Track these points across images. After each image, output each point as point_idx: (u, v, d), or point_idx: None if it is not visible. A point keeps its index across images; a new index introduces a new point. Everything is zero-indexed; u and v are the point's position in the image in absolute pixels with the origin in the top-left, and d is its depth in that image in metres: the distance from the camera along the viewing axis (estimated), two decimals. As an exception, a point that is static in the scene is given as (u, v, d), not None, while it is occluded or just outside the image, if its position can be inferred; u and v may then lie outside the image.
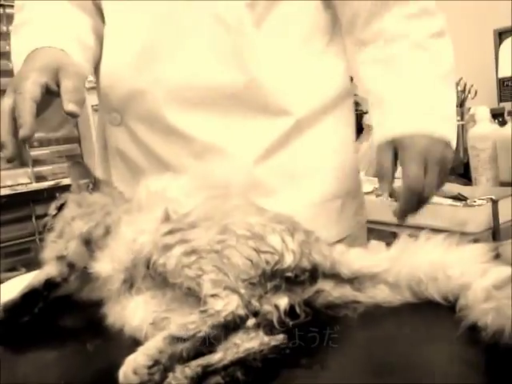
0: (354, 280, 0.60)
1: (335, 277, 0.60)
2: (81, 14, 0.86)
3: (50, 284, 0.69)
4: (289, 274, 0.57)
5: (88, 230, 0.70)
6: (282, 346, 0.49)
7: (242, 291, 0.53)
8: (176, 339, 0.46)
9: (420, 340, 0.50)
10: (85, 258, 0.68)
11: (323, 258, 0.59)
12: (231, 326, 0.49)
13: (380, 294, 0.59)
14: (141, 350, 0.44)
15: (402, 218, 0.75)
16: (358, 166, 1.00)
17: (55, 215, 0.76)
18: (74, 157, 2.44)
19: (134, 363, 0.43)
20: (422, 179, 0.72)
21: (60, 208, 0.76)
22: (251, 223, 0.59)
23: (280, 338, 0.50)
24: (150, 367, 0.43)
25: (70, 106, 0.63)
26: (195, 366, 0.43)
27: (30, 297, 0.67)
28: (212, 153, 0.83)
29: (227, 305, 0.50)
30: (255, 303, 0.52)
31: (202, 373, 0.42)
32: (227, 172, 0.83)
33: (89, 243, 0.69)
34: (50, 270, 0.69)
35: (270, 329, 0.52)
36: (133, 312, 0.56)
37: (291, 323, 0.55)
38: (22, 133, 0.60)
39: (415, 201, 0.73)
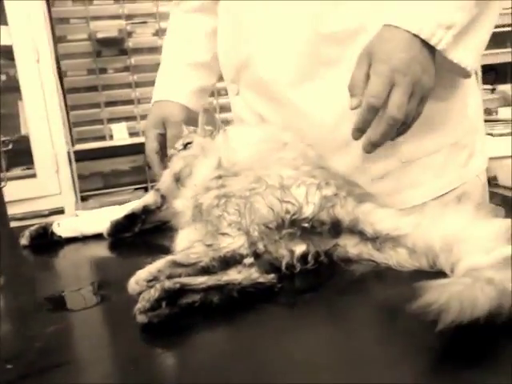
0: (376, 239, 0.61)
1: (360, 234, 0.62)
2: (206, 19, 1.02)
3: (146, 210, 0.85)
4: (305, 225, 0.61)
5: (179, 169, 0.83)
6: (268, 284, 0.55)
7: (255, 234, 0.60)
8: (177, 264, 0.56)
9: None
10: (174, 192, 0.82)
11: (345, 214, 0.62)
12: (230, 261, 0.57)
13: (397, 257, 0.59)
14: (147, 267, 0.56)
15: (357, 137, 0.67)
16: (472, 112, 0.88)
17: (180, 150, 0.91)
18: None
19: (137, 276, 0.55)
20: (383, 96, 0.63)
21: (185, 146, 0.89)
22: (283, 176, 0.64)
23: (270, 277, 0.56)
24: (149, 281, 0.54)
25: (169, 152, 0.92)
26: (176, 281, 0.52)
27: (131, 219, 0.85)
28: (301, 115, 0.84)
29: (232, 243, 0.58)
30: (260, 247, 0.59)
31: (179, 289, 0.51)
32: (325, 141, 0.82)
33: (178, 180, 0.83)
34: (147, 198, 0.86)
35: (272, 271, 0.58)
36: (179, 240, 0.68)
37: (299, 268, 0.60)
38: (157, 175, 0.94)
39: (372, 117, 0.64)
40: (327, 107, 0.82)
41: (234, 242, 0.58)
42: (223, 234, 0.59)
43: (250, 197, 0.63)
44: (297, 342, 0.47)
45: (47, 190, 2.38)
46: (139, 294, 0.53)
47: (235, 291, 0.54)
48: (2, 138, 1.19)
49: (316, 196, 0.62)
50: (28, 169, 2.42)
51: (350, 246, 0.62)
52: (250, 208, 0.61)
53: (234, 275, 0.55)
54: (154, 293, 0.51)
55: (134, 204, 0.87)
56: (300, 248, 0.61)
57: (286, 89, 0.84)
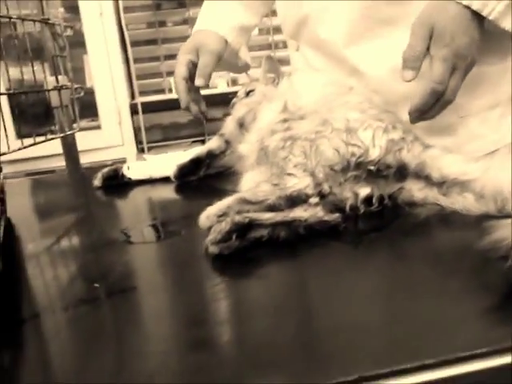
0: (442, 184, 0.61)
1: (427, 179, 0.62)
2: None
3: (211, 155, 0.88)
4: (371, 168, 0.62)
5: (243, 115, 0.85)
6: (333, 223, 0.57)
7: (320, 175, 0.61)
8: (246, 201, 0.58)
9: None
10: (238, 137, 0.84)
11: (412, 158, 0.62)
12: (296, 200, 0.59)
13: (463, 202, 0.59)
14: (217, 203, 0.58)
15: (415, 119, 0.68)
16: None
17: (242, 98, 0.93)
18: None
19: (208, 211, 0.58)
20: (446, 82, 0.66)
21: (248, 93, 0.91)
22: (349, 119, 0.64)
23: (335, 216, 0.58)
24: (219, 216, 0.57)
25: (197, 81, 0.88)
26: (245, 216, 0.54)
27: (196, 163, 0.88)
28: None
29: (298, 184, 0.60)
30: (326, 187, 0.60)
31: (248, 223, 0.54)
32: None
33: (242, 125, 0.85)
34: (212, 143, 0.88)
35: (337, 212, 0.60)
36: (244, 181, 0.70)
37: (363, 210, 0.61)
38: (182, 105, 0.91)
39: (433, 102, 0.67)
40: (384, 65, 0.82)
41: (299, 182, 0.60)
42: (289, 174, 0.61)
43: (316, 139, 0.64)
44: (360, 279, 0.48)
45: (110, 141, 2.48)
46: (209, 228, 0.56)
47: (301, 227, 0.55)
48: (75, 86, 1.24)
49: (383, 139, 0.62)
50: (93, 121, 2.52)
51: (415, 190, 0.62)
52: (316, 150, 0.63)
53: (301, 213, 0.57)
54: (225, 225, 0.53)
55: (200, 149, 0.89)
56: (364, 191, 0.62)
57: (343, 48, 0.83)
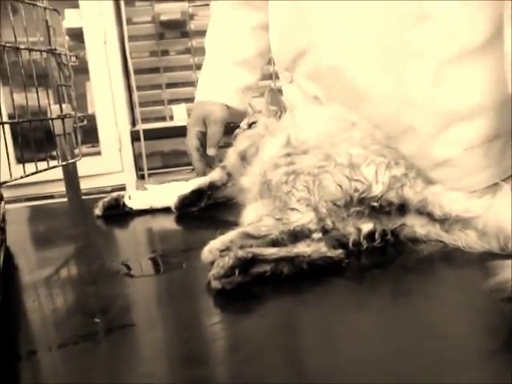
0: (445, 221, 0.61)
1: (429, 215, 0.62)
2: (250, 13, 1.03)
3: (212, 186, 0.88)
4: (374, 204, 0.62)
5: (245, 147, 0.86)
6: (336, 259, 0.56)
7: (323, 210, 0.61)
8: (249, 236, 0.58)
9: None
10: (240, 170, 0.85)
11: (414, 194, 0.62)
12: (299, 235, 0.58)
13: (465, 239, 0.59)
14: (220, 237, 0.58)
15: None
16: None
17: (244, 130, 0.94)
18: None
19: (211, 245, 0.57)
20: None
21: (250, 125, 0.92)
22: (352, 154, 0.65)
23: (338, 252, 0.57)
24: (221, 250, 0.56)
25: (209, 152, 1.01)
26: (248, 251, 0.54)
27: (198, 194, 0.88)
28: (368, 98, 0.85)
29: (301, 219, 0.60)
30: (329, 223, 0.60)
31: (251, 258, 0.53)
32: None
33: (244, 159, 0.85)
34: (214, 175, 0.89)
35: (339, 247, 0.60)
36: (246, 214, 0.70)
37: (366, 246, 0.61)
38: (197, 172, 1.01)
39: None
40: (392, 93, 0.83)
41: (302, 217, 0.60)
42: (292, 209, 0.61)
43: (319, 174, 0.64)
44: (362, 316, 0.48)
45: (111, 168, 2.49)
46: (211, 263, 0.56)
47: (305, 263, 0.55)
48: (78, 114, 1.25)
49: (385, 175, 0.63)
50: (93, 147, 2.53)
51: (417, 226, 0.62)
52: (319, 185, 0.63)
53: (304, 248, 0.56)
54: (228, 260, 0.53)
55: (201, 180, 0.90)
56: (367, 226, 0.62)
57: (354, 74, 0.84)
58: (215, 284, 0.53)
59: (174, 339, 0.48)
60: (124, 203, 0.91)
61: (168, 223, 0.88)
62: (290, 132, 0.74)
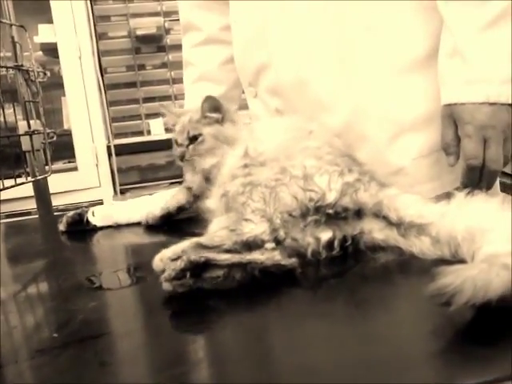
0: (400, 225, 0.61)
1: (385, 219, 0.62)
2: (215, 51, 1.07)
3: (180, 209, 0.87)
4: (329, 211, 0.62)
5: (209, 168, 0.84)
6: (289, 267, 0.56)
7: (277, 221, 0.61)
8: (202, 246, 0.58)
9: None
10: (205, 191, 0.83)
11: (369, 197, 0.62)
12: (251, 246, 0.58)
13: (420, 245, 0.59)
14: (172, 247, 0.58)
15: None
16: None
17: (188, 145, 0.86)
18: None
19: (162, 254, 0.57)
20: (479, 155, 0.71)
21: (192, 140, 0.85)
22: (306, 165, 0.65)
23: (292, 260, 0.57)
24: (172, 259, 0.56)
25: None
26: (201, 255, 0.54)
27: (166, 217, 0.88)
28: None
29: (254, 229, 0.59)
30: (281, 233, 0.60)
31: (204, 262, 0.53)
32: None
33: (208, 179, 0.83)
34: (180, 198, 0.87)
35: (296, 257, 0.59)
36: (211, 227, 0.68)
37: (325, 255, 0.61)
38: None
39: (476, 175, 0.72)
40: (347, 102, 0.84)
41: (256, 228, 0.59)
42: (246, 219, 0.61)
43: (276, 187, 0.64)
44: (316, 325, 0.48)
45: (88, 183, 2.47)
46: (162, 271, 0.55)
47: (257, 270, 0.55)
48: (49, 130, 1.24)
49: (338, 182, 0.63)
50: (70, 162, 2.51)
51: (376, 231, 0.63)
52: (275, 197, 0.63)
53: (257, 255, 0.56)
54: (180, 263, 0.53)
55: (168, 203, 0.88)
56: (326, 234, 0.62)
57: (317, 87, 0.85)
58: (166, 286, 0.53)
59: (135, 351, 0.47)
60: (88, 220, 0.90)
61: (134, 237, 0.87)
62: (248, 143, 0.74)
